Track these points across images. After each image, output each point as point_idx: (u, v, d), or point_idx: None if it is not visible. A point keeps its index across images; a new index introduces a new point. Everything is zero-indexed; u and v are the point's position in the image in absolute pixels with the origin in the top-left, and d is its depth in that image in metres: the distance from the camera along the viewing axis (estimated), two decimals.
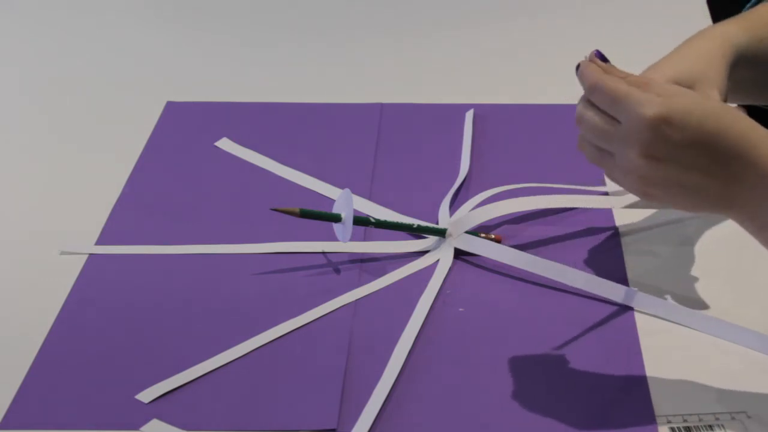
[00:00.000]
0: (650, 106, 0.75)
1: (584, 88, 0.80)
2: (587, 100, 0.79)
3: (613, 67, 0.81)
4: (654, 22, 1.42)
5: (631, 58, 1.35)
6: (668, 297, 0.94)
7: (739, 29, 0.92)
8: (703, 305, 0.94)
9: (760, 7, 0.97)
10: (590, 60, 0.81)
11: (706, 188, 0.77)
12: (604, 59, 0.82)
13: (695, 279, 0.97)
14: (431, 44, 1.40)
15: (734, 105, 1.02)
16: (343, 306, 0.95)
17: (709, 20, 1.39)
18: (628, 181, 0.78)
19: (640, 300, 0.93)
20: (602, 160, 0.80)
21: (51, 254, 1.02)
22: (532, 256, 0.98)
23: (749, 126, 0.77)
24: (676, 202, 0.79)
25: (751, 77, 0.94)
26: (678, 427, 0.81)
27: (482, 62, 1.37)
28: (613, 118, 0.77)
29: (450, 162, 1.15)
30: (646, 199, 0.79)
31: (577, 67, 0.81)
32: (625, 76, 0.79)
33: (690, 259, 0.99)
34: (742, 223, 0.79)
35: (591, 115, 0.79)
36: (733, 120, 0.76)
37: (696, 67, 0.87)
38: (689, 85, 0.85)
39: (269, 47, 1.40)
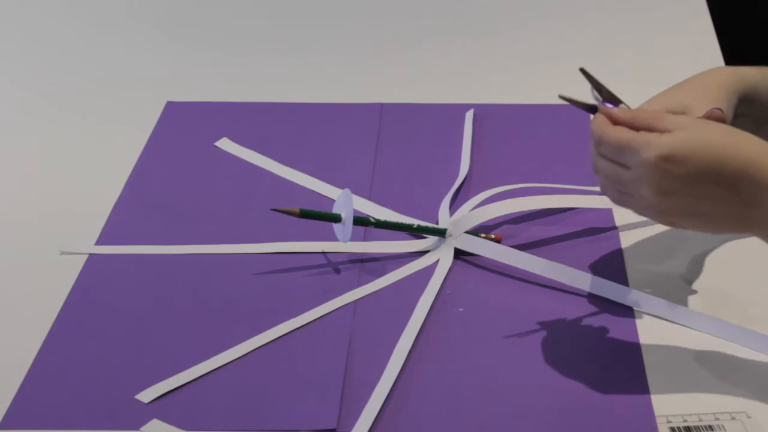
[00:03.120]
0: (652, 149, 0.79)
1: (592, 139, 0.84)
2: (596, 150, 0.84)
3: (624, 109, 0.85)
4: (654, 22, 1.42)
5: (631, 58, 1.36)
6: (668, 297, 0.94)
7: (756, 71, 0.93)
8: (703, 305, 0.94)
9: None
10: (599, 109, 0.84)
11: (722, 214, 0.80)
12: (615, 102, 0.87)
13: (695, 279, 0.97)
14: (431, 44, 1.40)
15: None
16: (343, 306, 0.95)
17: (709, 20, 1.39)
18: (651, 216, 0.83)
19: (640, 300, 0.93)
20: (624, 201, 0.84)
21: (51, 254, 1.02)
22: (532, 256, 0.98)
23: (756, 147, 0.79)
24: (699, 227, 0.83)
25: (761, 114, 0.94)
26: (678, 427, 0.81)
27: (482, 62, 1.37)
28: (623, 165, 0.81)
29: (450, 162, 1.15)
30: (673, 227, 0.84)
31: (581, 70, 0.87)
32: (633, 117, 0.83)
33: (690, 259, 0.99)
34: (765, 239, 0.82)
35: (605, 165, 0.83)
36: (738, 145, 0.79)
37: (697, 97, 0.88)
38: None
39: (269, 47, 1.40)
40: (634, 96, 1.28)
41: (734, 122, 0.87)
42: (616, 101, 0.88)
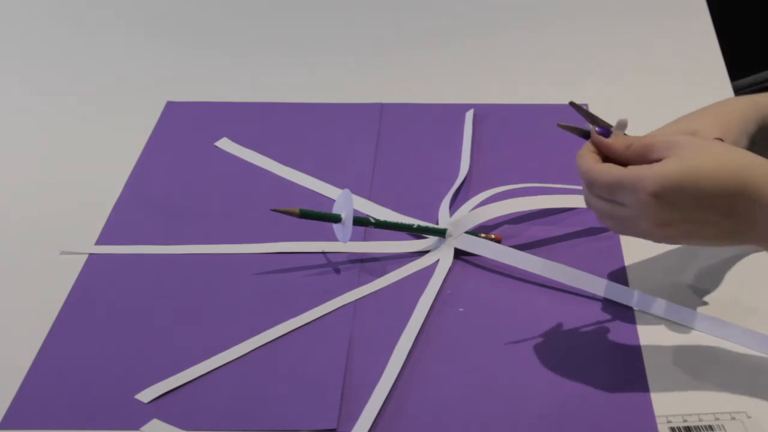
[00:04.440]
0: (644, 185, 0.78)
1: (584, 182, 0.83)
2: (587, 190, 0.84)
3: (618, 136, 0.84)
4: (654, 22, 1.42)
5: (631, 58, 1.36)
6: (668, 297, 0.94)
7: None
8: (703, 305, 0.94)
9: None
10: (592, 139, 0.84)
11: (723, 235, 0.80)
12: (606, 133, 0.84)
13: (695, 279, 0.97)
14: (431, 44, 1.40)
15: None
16: (343, 306, 0.95)
17: (709, 20, 1.39)
18: (654, 240, 0.82)
19: (640, 300, 0.93)
20: (622, 230, 0.84)
21: (51, 254, 1.02)
22: (532, 256, 0.98)
23: (749, 166, 0.78)
24: (705, 245, 0.85)
25: None
26: (678, 427, 0.81)
27: (482, 62, 1.37)
28: (618, 203, 0.81)
29: (450, 162, 1.15)
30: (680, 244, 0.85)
31: (570, 103, 0.85)
32: (627, 146, 0.82)
33: (690, 259, 0.99)
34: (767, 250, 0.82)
35: (598, 203, 0.83)
36: (731, 167, 0.78)
37: (707, 123, 0.87)
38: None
39: (269, 47, 1.40)
40: (634, 96, 1.28)
41: (752, 149, 0.86)
42: (608, 129, 0.85)
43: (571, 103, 0.86)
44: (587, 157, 0.83)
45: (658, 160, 0.80)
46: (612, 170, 0.81)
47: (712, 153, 0.79)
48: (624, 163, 0.82)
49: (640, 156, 0.81)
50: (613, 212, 0.82)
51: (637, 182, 0.79)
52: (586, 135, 0.85)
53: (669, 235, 0.81)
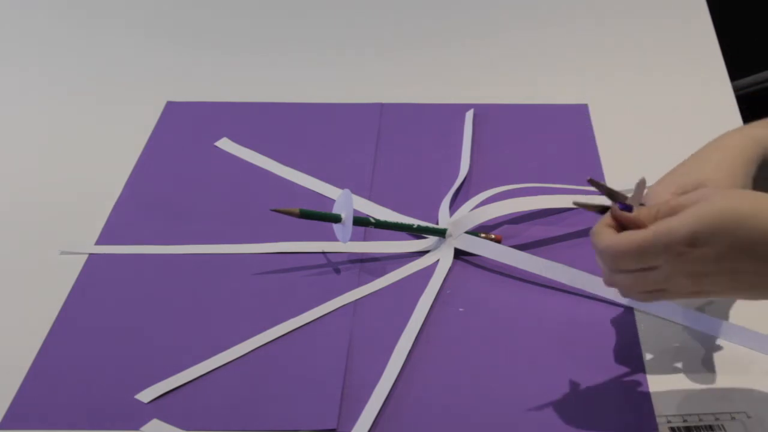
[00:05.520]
0: (677, 236, 0.73)
1: (601, 257, 0.77)
2: (609, 267, 0.77)
3: (643, 210, 0.78)
4: (654, 22, 1.41)
5: (631, 58, 1.36)
6: None
7: None
8: (702, 305, 0.93)
9: None
10: (613, 215, 0.77)
11: (759, 284, 0.75)
12: (627, 208, 0.79)
13: None
14: (431, 44, 1.40)
15: None
16: (343, 306, 0.95)
17: (709, 20, 1.39)
18: (687, 298, 0.78)
19: None
20: (655, 297, 0.78)
21: (51, 254, 1.02)
22: (532, 256, 0.98)
23: None
24: (744, 298, 0.79)
25: None
26: (678, 427, 0.81)
27: (482, 62, 1.37)
28: (649, 268, 0.75)
29: (450, 162, 1.15)
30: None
31: (589, 180, 0.80)
32: (655, 217, 0.76)
33: None
34: None
35: (625, 279, 0.77)
36: (765, 212, 0.73)
37: (712, 171, 0.82)
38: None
39: (269, 47, 1.40)
40: (634, 96, 1.28)
41: (754, 187, 0.82)
42: (628, 205, 0.80)
43: (590, 180, 0.81)
44: (604, 233, 0.77)
45: None
46: (635, 235, 0.75)
47: (746, 196, 0.75)
48: None
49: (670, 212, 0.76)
50: (645, 281, 0.76)
51: (669, 235, 0.73)
52: (602, 210, 0.81)
53: (706, 290, 0.75)
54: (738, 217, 0.73)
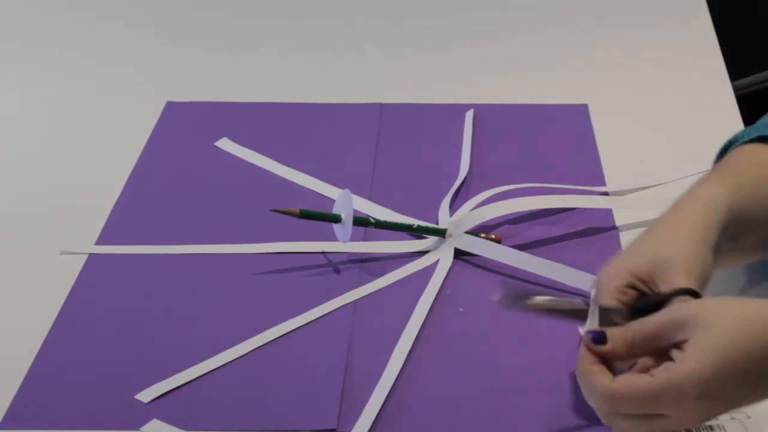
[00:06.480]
0: (686, 393, 0.69)
1: (595, 401, 0.73)
2: (606, 412, 0.73)
3: (612, 337, 0.73)
4: (654, 22, 1.42)
5: (631, 58, 1.36)
6: None
7: (725, 189, 0.81)
8: None
9: (739, 155, 0.86)
10: (589, 349, 0.73)
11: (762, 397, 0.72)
12: (600, 335, 0.73)
13: None
14: (431, 44, 1.40)
15: None
16: (343, 306, 0.95)
17: (709, 20, 1.39)
18: (695, 427, 0.75)
19: None
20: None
21: (51, 254, 1.02)
22: (532, 256, 0.98)
23: None
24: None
25: (751, 240, 0.84)
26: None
27: (482, 62, 1.37)
28: (655, 415, 0.71)
29: (450, 162, 1.15)
30: None
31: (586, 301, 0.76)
32: (630, 346, 0.72)
33: None
34: None
35: (625, 423, 0.72)
36: (763, 330, 0.70)
37: (664, 254, 0.77)
38: (654, 273, 0.77)
39: (269, 47, 1.40)
40: (633, 96, 1.28)
41: (716, 252, 0.78)
42: (601, 332, 0.73)
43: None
44: (595, 374, 0.72)
45: (672, 345, 0.71)
46: (638, 384, 0.70)
47: (733, 325, 0.70)
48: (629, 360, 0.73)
49: (648, 348, 0.72)
50: (650, 427, 0.72)
51: (677, 390, 0.69)
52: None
53: (712, 417, 0.73)
54: (736, 357, 0.69)
